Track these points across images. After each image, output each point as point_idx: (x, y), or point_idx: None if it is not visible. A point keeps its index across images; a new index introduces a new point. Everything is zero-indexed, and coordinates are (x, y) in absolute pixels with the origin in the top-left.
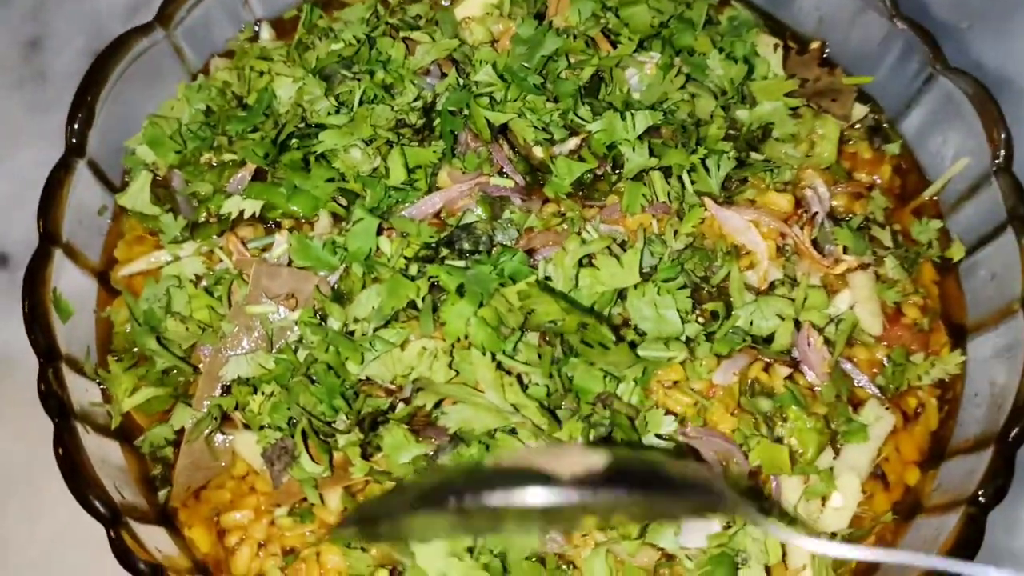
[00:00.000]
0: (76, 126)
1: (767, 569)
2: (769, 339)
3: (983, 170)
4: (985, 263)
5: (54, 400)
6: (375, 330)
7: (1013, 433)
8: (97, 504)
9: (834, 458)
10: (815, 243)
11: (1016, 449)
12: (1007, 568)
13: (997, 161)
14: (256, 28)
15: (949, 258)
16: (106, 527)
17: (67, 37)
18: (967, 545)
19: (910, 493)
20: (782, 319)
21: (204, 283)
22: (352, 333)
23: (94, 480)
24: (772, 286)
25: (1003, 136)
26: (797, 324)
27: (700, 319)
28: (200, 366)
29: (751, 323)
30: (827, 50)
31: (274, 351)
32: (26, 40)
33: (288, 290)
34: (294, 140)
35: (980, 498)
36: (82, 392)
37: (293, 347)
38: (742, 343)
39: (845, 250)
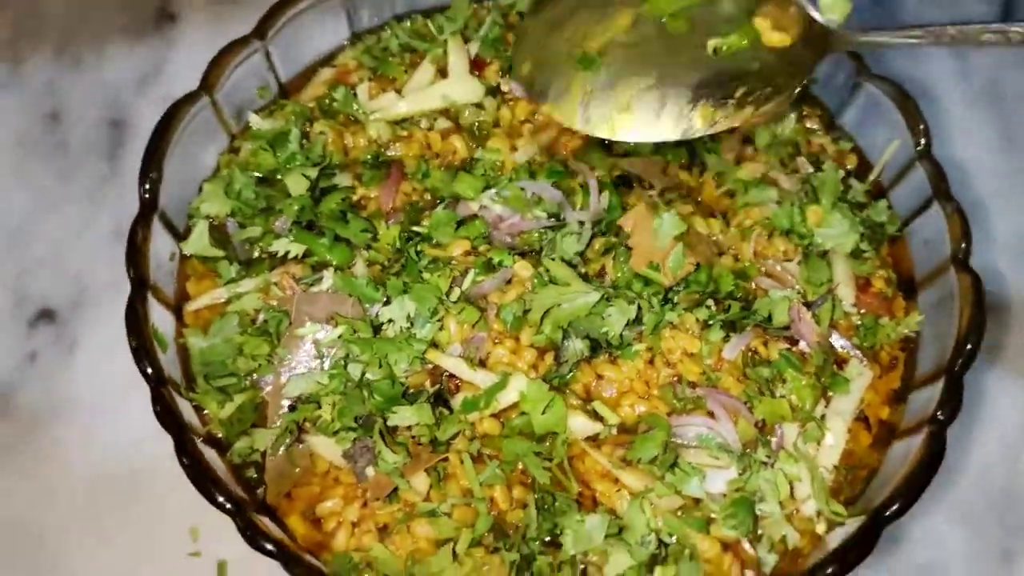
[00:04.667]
0: (148, 185)
1: (780, 504)
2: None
3: (909, 157)
4: (920, 231)
5: (171, 418)
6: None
7: (958, 364)
8: (223, 500)
9: (825, 407)
10: None
11: (962, 375)
12: None
13: (918, 148)
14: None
15: (895, 230)
16: (234, 518)
17: (83, 109)
18: (932, 456)
19: (884, 425)
20: (790, 300)
21: (263, 316)
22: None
23: (217, 479)
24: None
25: (922, 126)
26: None
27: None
28: (264, 394)
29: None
30: None
31: (327, 368)
32: (46, 114)
33: (327, 313)
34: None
35: (939, 417)
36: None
37: (343, 363)
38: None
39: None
